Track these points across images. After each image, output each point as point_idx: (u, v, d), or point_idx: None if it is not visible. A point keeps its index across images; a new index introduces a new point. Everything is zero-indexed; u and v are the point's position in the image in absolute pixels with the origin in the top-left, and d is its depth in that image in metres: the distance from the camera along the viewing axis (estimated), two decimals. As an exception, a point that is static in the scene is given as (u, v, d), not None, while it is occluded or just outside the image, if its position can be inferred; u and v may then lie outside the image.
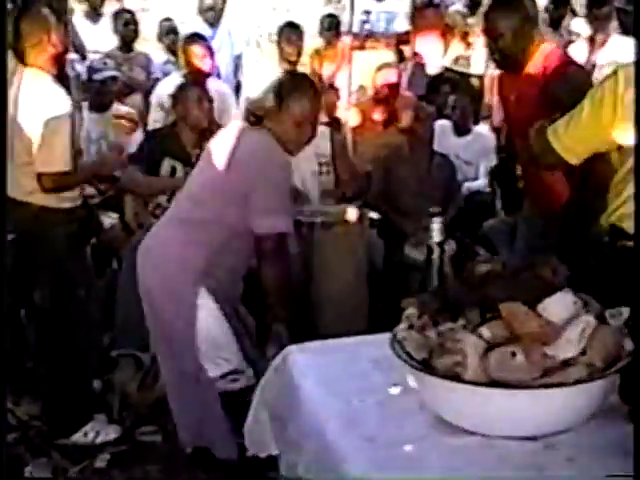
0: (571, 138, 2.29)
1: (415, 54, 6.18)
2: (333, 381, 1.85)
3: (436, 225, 1.98)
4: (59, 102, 3.25)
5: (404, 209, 4.45)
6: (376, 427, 1.62)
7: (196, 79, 4.70)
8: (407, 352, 1.59)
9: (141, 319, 3.18)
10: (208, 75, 5.05)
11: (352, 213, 4.00)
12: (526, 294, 1.55)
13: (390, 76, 5.41)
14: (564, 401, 1.49)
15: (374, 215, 4.55)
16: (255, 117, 3.08)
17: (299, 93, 2.96)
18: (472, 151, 5.34)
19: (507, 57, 3.03)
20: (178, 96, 4.17)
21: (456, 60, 6.23)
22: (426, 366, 1.56)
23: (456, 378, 1.49)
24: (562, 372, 1.47)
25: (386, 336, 1.78)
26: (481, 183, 5.33)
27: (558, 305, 1.54)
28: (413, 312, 1.66)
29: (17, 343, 4.01)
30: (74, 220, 3.33)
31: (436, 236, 1.99)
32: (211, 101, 4.20)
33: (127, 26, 5.57)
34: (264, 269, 2.97)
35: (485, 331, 1.53)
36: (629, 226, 2.10)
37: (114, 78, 4.90)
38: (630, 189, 2.12)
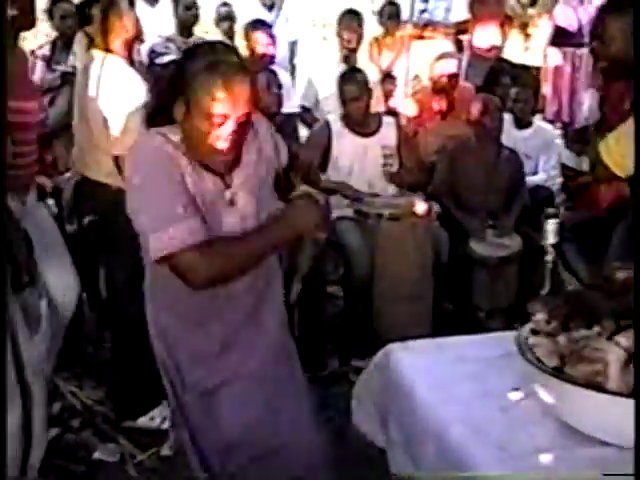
0: (621, 153, 2.25)
1: (473, 44, 6.08)
2: (447, 384, 1.82)
3: (551, 226, 1.94)
4: (136, 86, 3.25)
5: (469, 203, 4.39)
6: (504, 435, 1.59)
7: (260, 65, 4.67)
8: (539, 359, 1.56)
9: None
10: (270, 62, 5.03)
11: (420, 206, 3.96)
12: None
13: (449, 66, 5.34)
14: None
15: (436, 208, 4.50)
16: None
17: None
18: (532, 145, 5.25)
19: (617, 64, 2.86)
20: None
21: (514, 51, 6.14)
22: (559, 373, 1.52)
23: (598, 387, 1.45)
24: None
25: (492, 336, 1.75)
26: (541, 177, 5.25)
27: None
28: (543, 317, 1.62)
29: (77, 328, 4.05)
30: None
31: (551, 238, 1.94)
32: (280, 87, 4.18)
33: (188, 10, 5.53)
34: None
35: (623, 340, 1.49)
36: None
37: (175, 62, 4.87)
38: None
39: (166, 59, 4.90)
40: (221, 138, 1.87)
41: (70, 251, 3.68)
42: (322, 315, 4.15)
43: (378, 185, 4.26)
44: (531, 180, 5.16)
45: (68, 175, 3.94)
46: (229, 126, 1.86)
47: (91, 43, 3.56)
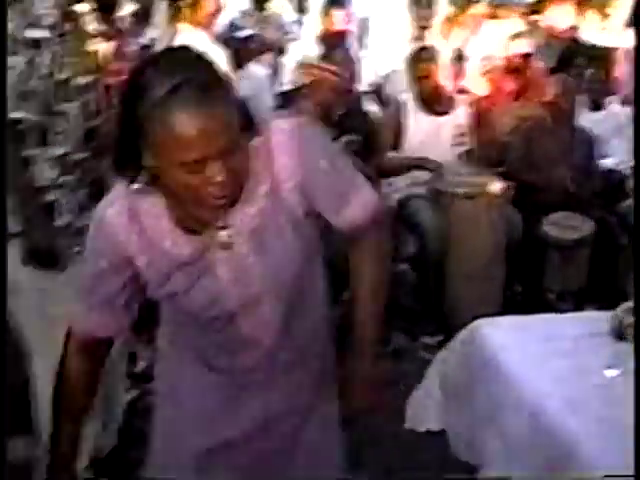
0: None
1: (547, 24, 6.00)
2: (539, 359, 1.84)
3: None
4: (220, 60, 3.32)
5: (543, 183, 4.36)
6: (602, 410, 1.61)
7: (332, 42, 4.69)
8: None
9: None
10: (344, 40, 5.04)
11: (495, 185, 3.95)
12: None
13: (523, 46, 5.28)
14: None
15: (512, 189, 4.47)
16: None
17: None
18: (605, 128, 5.17)
19: None
20: (324, 58, 4.18)
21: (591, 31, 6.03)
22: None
23: None
24: None
25: (578, 315, 1.76)
26: (613, 161, 5.17)
27: None
28: None
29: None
30: None
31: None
32: (354, 63, 4.19)
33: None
34: None
35: None
36: None
37: (252, 36, 4.93)
38: None
39: (244, 33, 4.96)
40: (211, 191, 1.35)
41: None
42: (392, 288, 4.15)
43: (451, 164, 4.25)
44: (603, 163, 5.10)
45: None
46: (214, 170, 1.33)
47: (175, 16, 3.63)
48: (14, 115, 2.25)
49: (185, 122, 1.27)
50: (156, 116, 1.28)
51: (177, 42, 3.46)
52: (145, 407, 3.31)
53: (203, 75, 1.31)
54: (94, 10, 2.51)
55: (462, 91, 5.10)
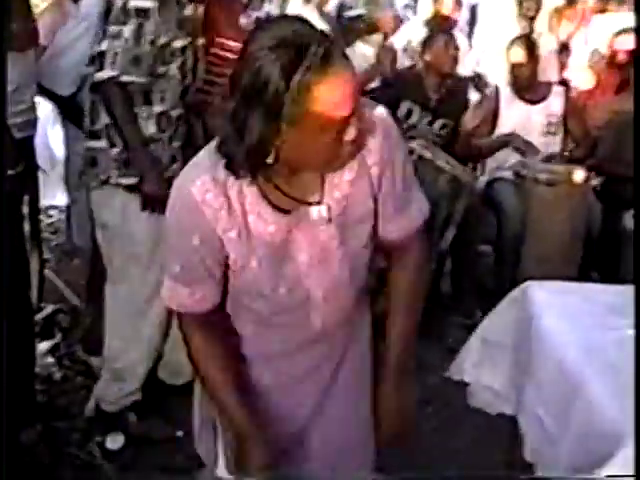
0: None
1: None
2: (572, 317, 2.05)
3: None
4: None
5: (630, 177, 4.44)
6: (615, 359, 1.81)
7: (442, 27, 4.86)
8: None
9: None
10: (452, 26, 5.22)
11: (579, 174, 4.08)
12: None
13: (629, 42, 5.31)
14: None
15: (595, 181, 4.58)
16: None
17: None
18: None
19: None
20: (427, 41, 4.37)
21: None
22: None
23: None
24: None
25: (617, 287, 1.94)
26: None
27: None
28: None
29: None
30: None
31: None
32: (457, 48, 4.37)
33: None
34: None
35: None
36: None
37: (361, 16, 5.16)
38: None
39: (353, 13, 5.20)
40: (340, 151, 1.40)
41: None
42: (473, 267, 4.36)
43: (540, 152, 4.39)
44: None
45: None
46: (351, 130, 1.37)
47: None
48: (125, 78, 2.49)
49: (338, 82, 1.31)
50: (311, 81, 1.29)
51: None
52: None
53: (329, 39, 1.34)
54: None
55: (563, 82, 5.21)
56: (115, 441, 2.96)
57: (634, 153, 1.93)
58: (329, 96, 1.30)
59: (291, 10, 3.73)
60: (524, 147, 4.25)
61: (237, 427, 1.57)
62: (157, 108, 2.62)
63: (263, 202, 1.46)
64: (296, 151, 1.36)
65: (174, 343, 3.06)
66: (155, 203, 2.57)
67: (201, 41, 2.79)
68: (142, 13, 2.47)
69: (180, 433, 2.96)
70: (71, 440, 2.98)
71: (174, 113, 2.68)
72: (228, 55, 3.22)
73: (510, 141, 4.30)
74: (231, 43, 3.21)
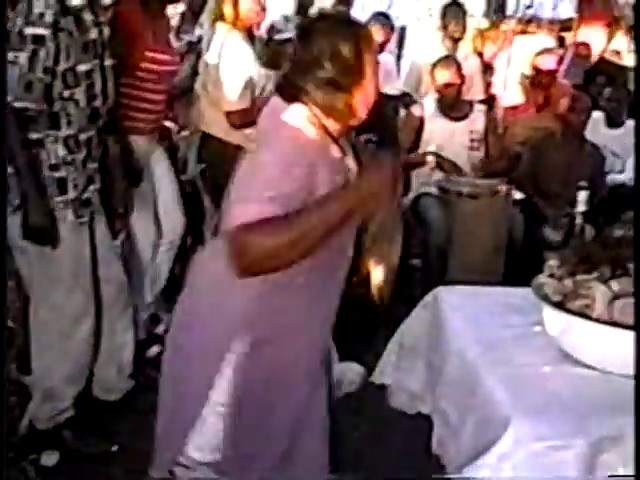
0: None
1: (577, 42, 6.28)
2: (477, 317, 2.19)
3: (582, 197, 2.26)
4: (241, 55, 3.69)
5: (549, 193, 4.65)
6: (511, 354, 1.95)
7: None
8: (545, 294, 1.91)
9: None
10: (381, 50, 5.39)
11: (501, 188, 4.27)
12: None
13: (549, 62, 5.55)
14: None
15: (518, 195, 4.77)
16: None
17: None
18: (622, 144, 5.42)
19: None
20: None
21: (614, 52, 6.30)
22: (560, 307, 1.88)
23: (585, 316, 1.79)
24: (677, 323, 1.75)
25: (521, 289, 2.09)
26: (628, 176, 5.42)
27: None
28: (555, 263, 1.97)
29: (182, 268, 4.56)
30: None
31: (581, 206, 2.26)
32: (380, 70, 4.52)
33: (304, -8, 5.97)
34: None
35: (614, 284, 1.83)
36: None
37: (290, 40, 5.28)
38: None
39: (285, 36, 5.32)
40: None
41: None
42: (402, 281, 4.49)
43: (464, 168, 4.57)
44: (617, 178, 5.35)
45: (184, 133, 4.42)
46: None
47: (218, 17, 4.01)
48: (18, 104, 2.50)
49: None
50: (361, 41, 1.78)
51: (215, 40, 3.84)
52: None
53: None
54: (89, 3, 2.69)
55: (487, 101, 5.42)
56: (50, 458, 2.99)
57: (635, 153, 2.05)
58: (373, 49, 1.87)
59: (220, 34, 3.81)
60: (447, 168, 4.44)
61: (348, 204, 1.67)
62: (65, 132, 2.65)
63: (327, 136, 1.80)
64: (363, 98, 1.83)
65: (106, 360, 3.15)
66: (37, 234, 2.60)
67: (109, 62, 2.82)
68: (38, 40, 2.51)
69: (115, 448, 3.02)
70: (4, 459, 3.01)
71: (83, 136, 2.71)
72: (162, 68, 3.32)
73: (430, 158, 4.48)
74: (163, 57, 3.32)
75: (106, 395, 3.20)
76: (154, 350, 3.68)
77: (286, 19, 5.68)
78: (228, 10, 3.76)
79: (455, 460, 1.86)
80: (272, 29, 5.18)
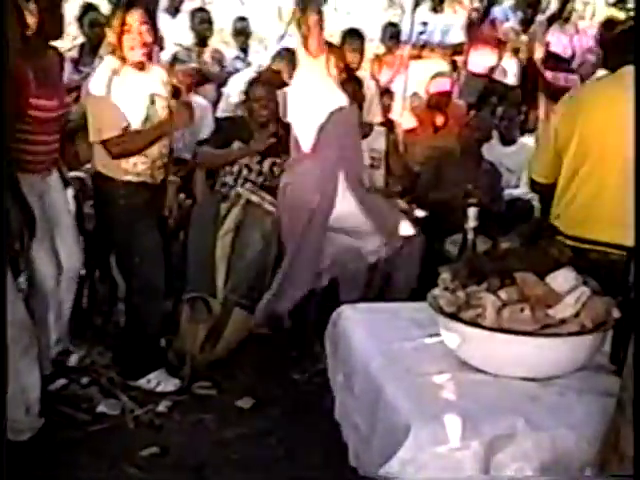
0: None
1: (468, 65, 6.54)
2: (378, 332, 2.29)
3: (472, 213, 2.39)
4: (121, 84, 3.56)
5: (448, 209, 4.81)
6: (412, 363, 2.06)
7: (271, 80, 5.10)
8: (440, 306, 2.02)
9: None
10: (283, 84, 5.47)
11: (403, 206, 4.44)
12: (537, 267, 1.97)
13: (443, 84, 5.78)
14: (558, 350, 1.91)
15: (420, 213, 4.93)
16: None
17: None
18: (516, 160, 5.65)
19: None
20: (247, 93, 4.62)
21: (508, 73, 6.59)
22: (455, 318, 1.99)
23: (477, 325, 1.91)
24: (558, 327, 1.89)
25: (422, 303, 2.19)
26: (522, 191, 5.64)
27: (562, 278, 1.96)
28: (447, 276, 2.09)
29: (90, 301, 4.54)
30: (139, 194, 3.66)
31: (471, 221, 2.39)
32: (275, 100, 4.61)
33: (203, 24, 6.07)
34: None
35: (502, 293, 1.96)
36: (559, 224, 2.57)
37: (193, 69, 5.35)
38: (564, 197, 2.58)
39: (188, 66, 5.39)
40: None
41: (87, 230, 4.22)
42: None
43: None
44: (512, 193, 5.58)
45: (88, 166, 4.39)
46: None
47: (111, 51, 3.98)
48: None
49: None
50: None
51: (100, 73, 3.75)
52: (73, 394, 3.79)
53: None
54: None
55: (387, 123, 5.59)
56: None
57: (635, 153, 2.12)
58: None
59: (105, 68, 3.72)
60: None
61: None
62: None
63: None
64: None
65: (13, 401, 3.09)
66: None
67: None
68: None
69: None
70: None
71: None
72: (47, 115, 3.33)
73: None
74: (48, 103, 3.33)
75: (17, 436, 3.15)
76: (60, 383, 3.68)
77: (188, 50, 5.76)
78: (116, 44, 3.64)
79: (369, 470, 1.94)
80: (175, 59, 5.24)
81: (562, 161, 2.62)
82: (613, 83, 2.60)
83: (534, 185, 2.84)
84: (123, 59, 3.59)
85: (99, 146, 3.62)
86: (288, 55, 5.61)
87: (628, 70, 2.52)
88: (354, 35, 5.88)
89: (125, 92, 3.56)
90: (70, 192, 4.27)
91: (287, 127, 5.34)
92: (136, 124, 3.58)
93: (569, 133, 2.54)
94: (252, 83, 4.73)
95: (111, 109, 3.54)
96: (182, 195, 4.68)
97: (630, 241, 2.32)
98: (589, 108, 2.54)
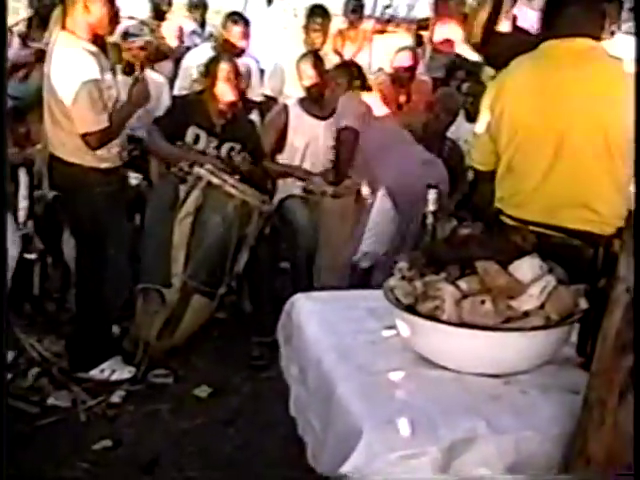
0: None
1: (433, 40, 6.40)
2: (333, 323, 2.15)
3: (432, 196, 2.26)
4: (86, 67, 3.40)
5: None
6: (366, 359, 1.92)
7: (230, 54, 4.91)
8: (397, 298, 1.89)
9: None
10: (242, 52, 5.30)
11: (364, 188, 4.29)
12: (499, 255, 1.84)
13: (407, 59, 5.62)
14: (522, 345, 1.79)
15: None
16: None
17: None
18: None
19: None
20: (209, 68, 4.42)
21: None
22: (411, 310, 1.86)
23: (434, 319, 1.78)
24: (522, 320, 1.77)
25: (380, 291, 2.06)
26: (487, 168, 5.55)
27: (526, 267, 1.83)
28: (405, 265, 1.95)
29: (42, 288, 4.37)
30: (112, 181, 3.57)
31: (431, 205, 2.26)
32: (239, 75, 4.44)
33: (161, -4, 5.86)
34: None
35: (462, 283, 1.83)
36: (502, 205, 2.44)
37: (148, 44, 5.13)
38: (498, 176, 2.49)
39: (141, 40, 5.17)
40: None
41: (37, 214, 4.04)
42: (271, 286, 4.50)
43: (327, 166, 4.56)
44: (478, 170, 5.47)
45: (39, 146, 4.20)
46: None
47: (62, 26, 3.79)
48: None
49: None
50: None
51: (50, 47, 3.56)
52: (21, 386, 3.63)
53: None
54: None
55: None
56: None
57: (635, 153, 2.00)
58: None
59: (60, 45, 3.54)
60: (303, 176, 4.44)
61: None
62: None
63: None
64: None
65: None
66: None
67: None
68: None
69: None
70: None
71: None
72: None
73: (291, 172, 4.51)
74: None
75: None
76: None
77: (142, 23, 5.53)
78: (73, 19, 3.48)
79: (325, 470, 1.81)
80: (126, 34, 5.01)
81: (496, 146, 2.50)
82: (535, 63, 2.45)
83: (477, 174, 2.73)
84: (79, 35, 3.44)
85: (63, 133, 3.46)
86: (237, 18, 5.44)
87: (553, 44, 2.40)
88: (318, 11, 5.73)
89: (78, 73, 3.39)
90: (23, 175, 4.11)
91: (250, 106, 5.24)
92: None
93: (498, 116, 2.42)
94: (214, 58, 4.53)
95: (96, 101, 3.41)
96: (136, 175, 4.52)
97: (573, 223, 2.25)
98: (513, 88, 2.41)
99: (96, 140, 3.43)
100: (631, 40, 5.40)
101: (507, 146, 2.42)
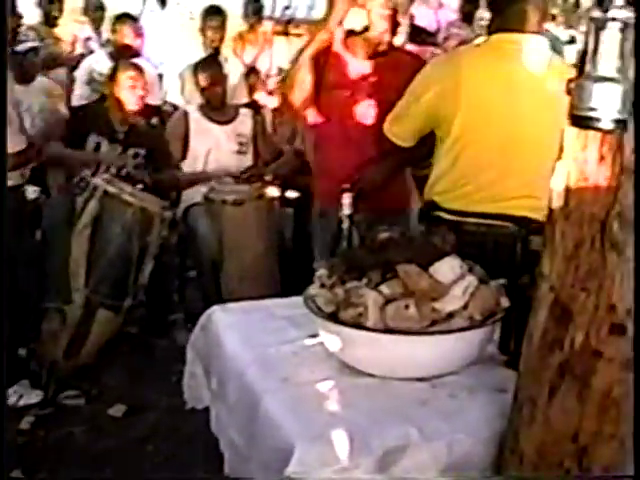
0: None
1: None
2: (253, 335, 2.09)
3: (347, 200, 2.22)
4: None
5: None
6: (290, 370, 1.87)
7: (125, 58, 4.79)
8: (318, 306, 1.84)
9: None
10: (136, 54, 5.17)
11: (266, 192, 4.24)
12: (420, 258, 1.82)
13: (305, 62, 5.58)
14: (448, 347, 1.77)
15: (293, 194, 4.76)
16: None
17: None
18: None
19: None
20: (111, 75, 4.28)
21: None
22: (334, 318, 1.81)
23: (359, 326, 1.74)
24: (447, 322, 1.75)
25: (299, 298, 2.01)
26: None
27: (446, 267, 1.82)
28: (324, 273, 1.91)
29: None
30: (17, 198, 3.45)
31: (346, 209, 2.22)
32: (142, 81, 4.32)
33: (52, 3, 5.64)
34: None
35: (384, 288, 1.79)
36: (442, 199, 2.48)
37: (36, 50, 4.93)
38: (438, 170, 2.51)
39: (27, 46, 4.97)
40: None
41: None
42: (180, 296, 4.42)
43: (230, 171, 4.50)
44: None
45: None
46: None
47: None
48: None
49: None
50: None
51: None
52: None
53: None
54: None
55: (252, 104, 5.37)
56: None
57: (635, 152, 1.96)
58: None
59: None
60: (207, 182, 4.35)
61: None
62: None
63: None
64: None
65: None
66: None
67: None
68: None
69: None
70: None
71: None
72: None
73: (197, 179, 4.45)
74: None
75: None
76: None
77: (30, 29, 5.32)
78: None
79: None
80: (14, 40, 4.80)
81: (430, 129, 2.53)
82: (491, 54, 2.47)
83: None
84: None
85: None
86: (129, 21, 5.32)
87: (502, 38, 2.42)
88: (215, 12, 5.66)
89: None
90: None
91: (158, 111, 5.12)
92: None
93: (451, 108, 2.41)
94: (116, 65, 4.40)
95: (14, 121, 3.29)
96: (34, 188, 4.34)
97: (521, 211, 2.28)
98: (467, 79, 2.41)
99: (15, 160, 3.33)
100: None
101: (457, 138, 2.43)
